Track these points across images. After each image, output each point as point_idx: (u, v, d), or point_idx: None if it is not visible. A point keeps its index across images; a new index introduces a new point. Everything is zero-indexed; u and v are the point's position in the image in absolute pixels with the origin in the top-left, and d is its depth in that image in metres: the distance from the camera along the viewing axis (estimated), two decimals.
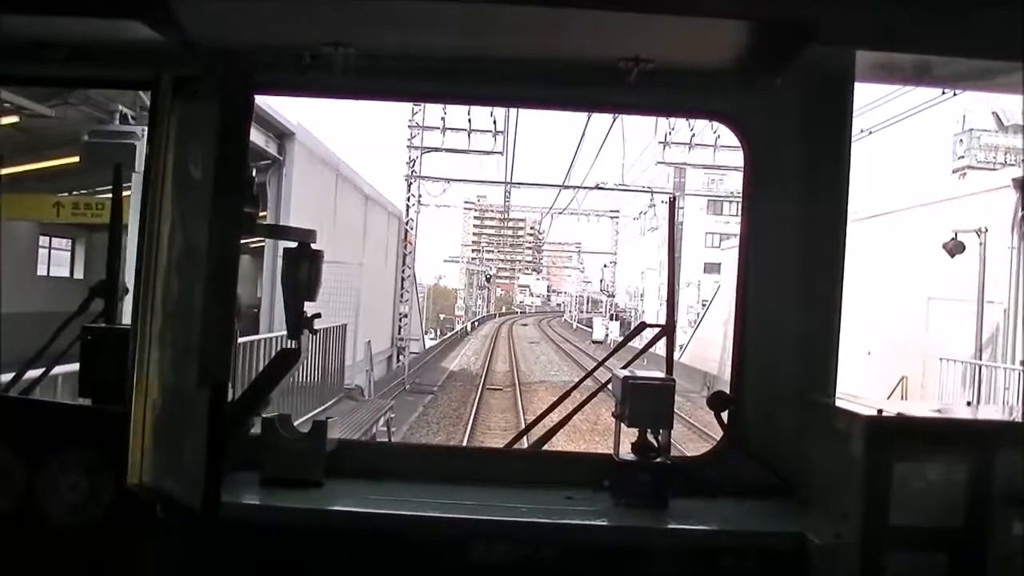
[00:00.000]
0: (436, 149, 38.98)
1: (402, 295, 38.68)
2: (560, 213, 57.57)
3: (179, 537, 2.92)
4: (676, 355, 3.96)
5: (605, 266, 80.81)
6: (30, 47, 3.44)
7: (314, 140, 23.99)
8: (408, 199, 40.42)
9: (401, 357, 37.53)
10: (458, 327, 77.45)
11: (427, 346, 50.02)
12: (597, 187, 44.49)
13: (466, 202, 73.56)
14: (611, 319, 71.95)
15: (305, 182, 22.08)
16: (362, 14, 3.29)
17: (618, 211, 64.78)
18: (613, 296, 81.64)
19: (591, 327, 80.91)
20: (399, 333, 38.19)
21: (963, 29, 3.12)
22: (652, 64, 3.45)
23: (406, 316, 38.38)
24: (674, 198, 4.17)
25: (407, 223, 39.91)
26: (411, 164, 39.75)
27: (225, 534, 2.84)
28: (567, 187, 45.47)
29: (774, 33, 3.20)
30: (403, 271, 38.95)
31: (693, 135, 36.76)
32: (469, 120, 36.15)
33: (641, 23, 3.15)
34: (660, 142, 37.75)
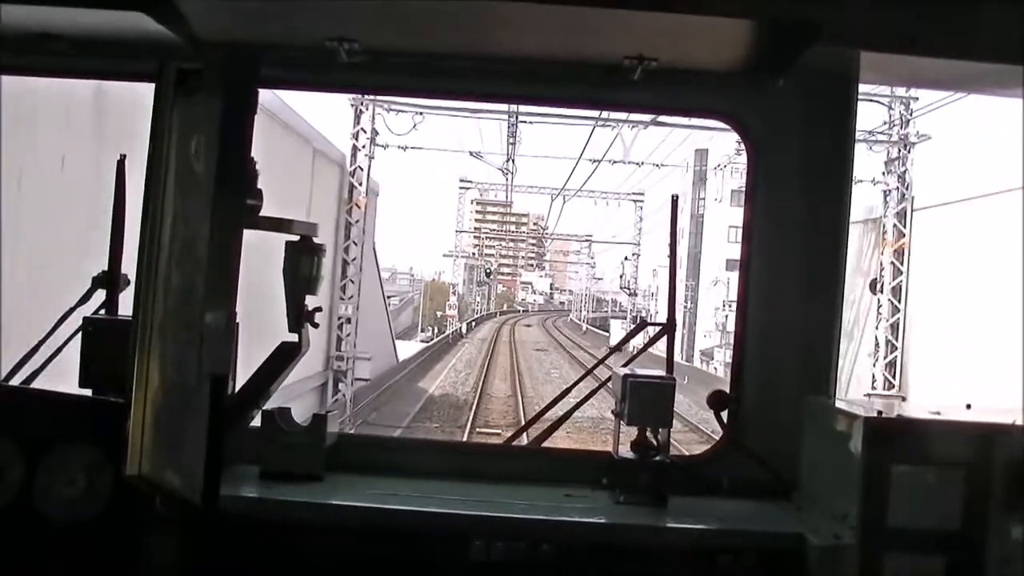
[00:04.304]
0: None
1: (344, 288, 25.09)
2: (573, 195, 48.79)
3: (178, 530, 2.93)
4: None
5: (626, 259, 70.57)
6: (32, 38, 3.45)
7: None
8: (355, 135, 25.98)
9: (340, 387, 25.07)
10: (450, 330, 67.42)
11: (403, 358, 37.98)
12: (654, 122, 29.03)
13: (461, 180, 63.73)
14: (634, 321, 62.01)
15: None
16: (366, 10, 3.30)
17: (643, 194, 57.24)
18: (635, 294, 71.69)
19: (606, 330, 72.50)
20: (338, 348, 25.10)
21: (966, 32, 3.12)
22: (656, 63, 3.45)
23: (349, 321, 25.37)
24: (676, 197, 4.16)
25: (352, 173, 25.95)
26: None
27: (224, 527, 2.84)
28: (604, 123, 28.35)
29: (778, 33, 3.20)
30: (345, 250, 25.19)
31: None
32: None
33: (645, 22, 3.15)
34: None
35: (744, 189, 3.88)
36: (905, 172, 25.28)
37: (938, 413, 3.36)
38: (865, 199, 26.21)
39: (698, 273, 60.73)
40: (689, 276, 61.14)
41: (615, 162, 34.95)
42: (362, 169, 26.20)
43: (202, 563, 3.02)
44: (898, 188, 25.34)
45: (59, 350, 3.79)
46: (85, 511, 3.12)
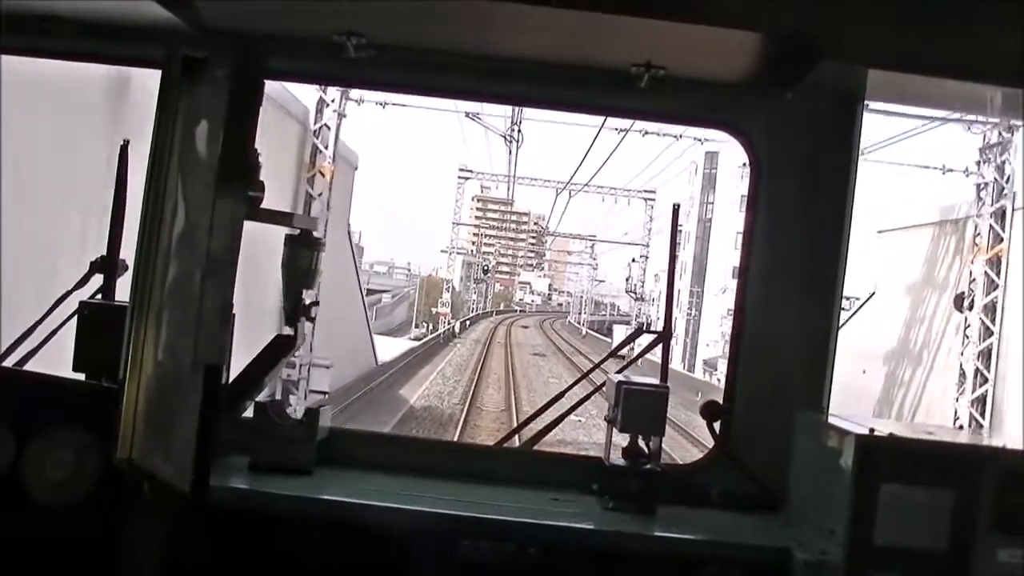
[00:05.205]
0: None
1: None
2: (580, 189, 46.25)
3: (165, 517, 2.92)
4: None
5: (634, 260, 67.06)
6: (38, 20, 3.44)
7: None
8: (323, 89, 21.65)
9: (292, 399, 20.38)
10: (442, 328, 63.64)
11: (387, 359, 34.29)
12: None
13: (461, 169, 59.84)
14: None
15: None
16: (376, 6, 3.30)
17: (654, 192, 54.25)
18: (642, 299, 67.24)
19: (605, 334, 70.47)
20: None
21: (974, 55, 3.12)
22: (663, 71, 3.45)
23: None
24: (677, 206, 4.16)
25: (316, 132, 21.72)
26: None
27: (212, 517, 2.84)
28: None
29: (786, 47, 3.20)
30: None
31: None
32: None
33: (654, 29, 3.15)
34: None
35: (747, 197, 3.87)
36: (1005, 162, 20.34)
37: (931, 434, 3.36)
38: (942, 196, 21.63)
39: (703, 280, 59.82)
40: (695, 283, 60.03)
41: (647, 133, 30.58)
42: (329, 128, 21.84)
43: (188, 552, 3.01)
44: (996, 181, 20.40)
45: (54, 332, 3.78)
46: (73, 494, 3.11)
